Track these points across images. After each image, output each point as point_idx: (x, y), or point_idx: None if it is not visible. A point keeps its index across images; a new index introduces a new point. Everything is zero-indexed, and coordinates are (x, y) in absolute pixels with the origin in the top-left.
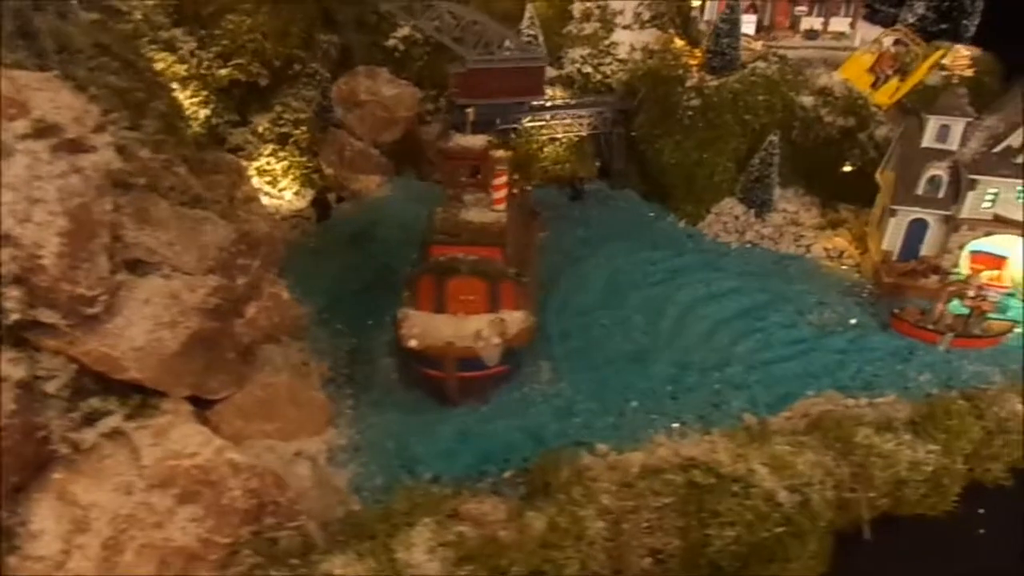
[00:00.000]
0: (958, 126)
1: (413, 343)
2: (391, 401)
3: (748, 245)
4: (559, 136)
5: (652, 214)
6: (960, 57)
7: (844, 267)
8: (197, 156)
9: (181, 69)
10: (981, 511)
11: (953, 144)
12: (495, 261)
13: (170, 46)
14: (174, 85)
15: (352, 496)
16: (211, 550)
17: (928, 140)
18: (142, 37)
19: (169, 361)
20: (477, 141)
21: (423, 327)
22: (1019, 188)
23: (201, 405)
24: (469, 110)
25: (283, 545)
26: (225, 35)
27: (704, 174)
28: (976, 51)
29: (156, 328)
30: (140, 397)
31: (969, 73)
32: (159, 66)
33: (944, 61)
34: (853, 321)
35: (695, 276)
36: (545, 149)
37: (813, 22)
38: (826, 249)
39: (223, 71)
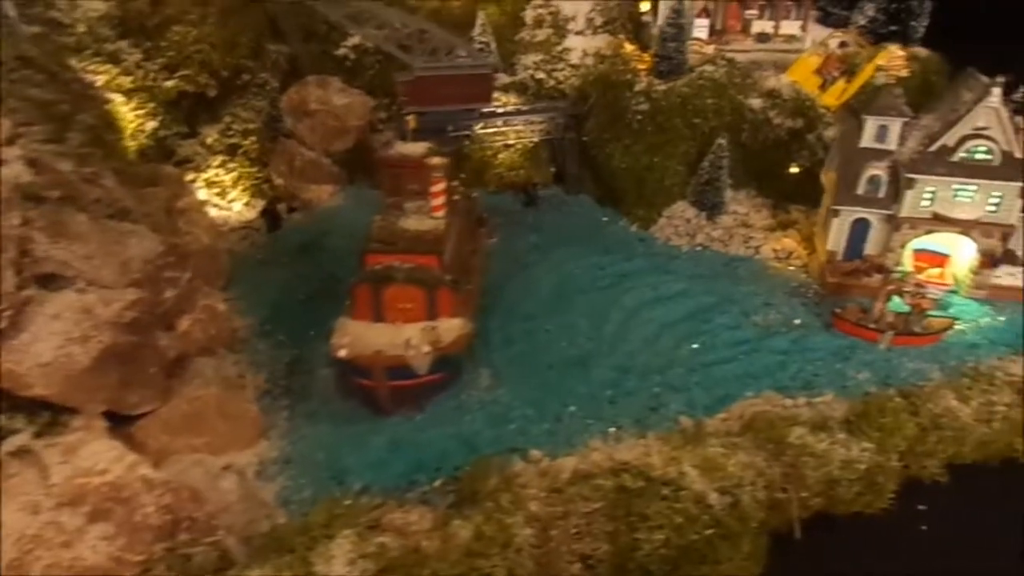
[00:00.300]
0: (895, 126)
1: (343, 353)
2: (326, 412)
3: (699, 248)
4: (512, 142)
5: (605, 218)
6: (896, 57)
7: (792, 268)
8: (130, 168)
9: (126, 81)
10: (922, 507)
11: (891, 144)
12: (431, 269)
13: (115, 58)
14: (119, 97)
15: (279, 509)
16: (123, 568)
17: (867, 140)
18: (85, 50)
19: (79, 377)
20: (417, 149)
21: (355, 336)
22: (955, 187)
23: (125, 420)
24: (409, 117)
25: (198, 561)
26: (171, 46)
27: (654, 178)
28: (922, 51)
29: (66, 344)
30: (49, 414)
31: (905, 73)
32: (103, 79)
33: (880, 62)
34: (797, 321)
35: (643, 280)
36: (500, 155)
37: (764, 25)
38: (775, 250)
39: (170, 83)
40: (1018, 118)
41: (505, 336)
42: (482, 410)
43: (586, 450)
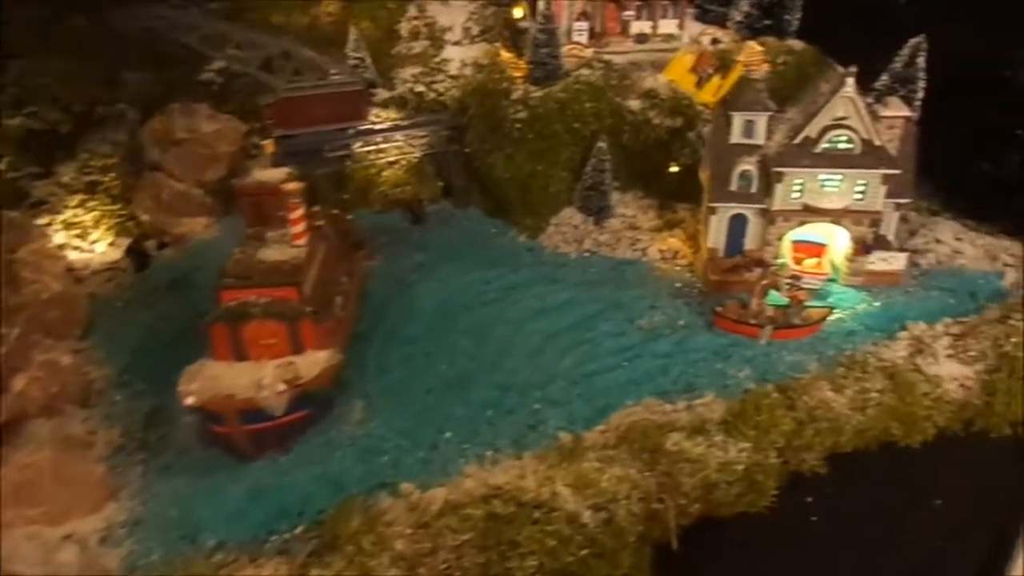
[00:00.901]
0: (761, 120)
1: (190, 400)
2: (184, 463)
3: (587, 254)
4: (395, 159)
5: (494, 230)
6: (754, 52)
7: (678, 268)
8: None
9: None
10: (809, 499)
11: (759, 138)
12: (291, 301)
13: None
14: None
15: None
16: None
17: (736, 136)
18: None
19: None
20: (275, 175)
21: (209, 380)
22: (821, 177)
23: None
24: (266, 142)
25: None
26: (12, 82)
27: (539, 186)
28: (797, 44)
29: None
30: None
31: (766, 68)
32: None
33: (739, 58)
34: (682, 323)
35: (529, 291)
36: (384, 173)
37: (642, 26)
38: (661, 251)
39: (14, 121)
40: (877, 106)
41: (382, 363)
42: (352, 445)
43: (460, 478)
